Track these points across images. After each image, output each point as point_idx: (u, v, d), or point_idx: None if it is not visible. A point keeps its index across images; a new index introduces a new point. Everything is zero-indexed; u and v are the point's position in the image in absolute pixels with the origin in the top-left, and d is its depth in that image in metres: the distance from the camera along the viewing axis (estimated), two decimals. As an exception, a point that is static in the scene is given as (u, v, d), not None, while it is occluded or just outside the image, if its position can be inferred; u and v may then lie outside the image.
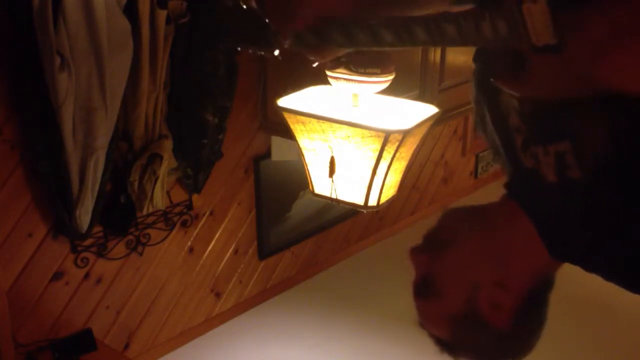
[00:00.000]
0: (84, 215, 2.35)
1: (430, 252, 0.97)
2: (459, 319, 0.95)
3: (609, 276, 0.89)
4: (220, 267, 3.13)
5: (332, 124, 1.99)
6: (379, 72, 1.88)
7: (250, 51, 1.18)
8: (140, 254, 2.76)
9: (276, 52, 1.14)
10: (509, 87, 0.88)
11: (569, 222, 0.87)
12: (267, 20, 1.10)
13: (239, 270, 3.22)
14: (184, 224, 2.89)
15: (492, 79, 0.88)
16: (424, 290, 0.98)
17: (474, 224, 0.96)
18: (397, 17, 0.95)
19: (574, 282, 1.00)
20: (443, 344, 0.99)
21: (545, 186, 0.88)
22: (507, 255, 0.92)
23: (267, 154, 3.11)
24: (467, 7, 0.94)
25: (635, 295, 0.90)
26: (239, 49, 1.20)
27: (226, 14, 1.13)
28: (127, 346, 2.83)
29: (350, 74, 1.87)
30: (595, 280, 0.95)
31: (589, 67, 0.74)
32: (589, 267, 0.90)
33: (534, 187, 0.91)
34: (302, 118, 2.03)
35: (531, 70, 0.80)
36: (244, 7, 1.14)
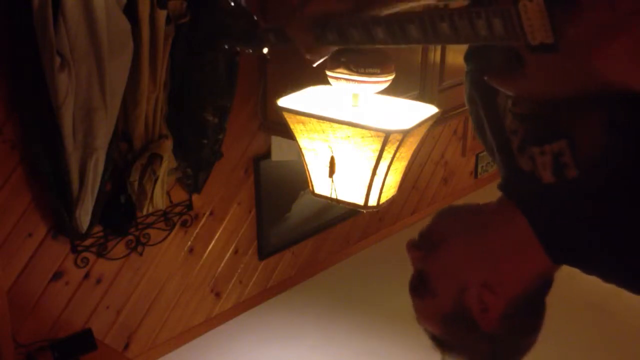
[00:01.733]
0: (84, 215, 2.35)
1: (425, 248, 0.97)
2: (450, 318, 0.95)
3: (608, 277, 0.89)
4: (220, 267, 3.13)
5: (332, 124, 1.99)
6: (379, 72, 1.88)
7: (239, 49, 1.18)
8: (140, 254, 2.76)
9: (265, 50, 1.13)
10: (503, 86, 0.87)
11: (567, 223, 0.87)
12: (255, 18, 1.10)
13: (239, 270, 3.22)
14: (184, 224, 2.89)
15: (486, 78, 0.88)
16: (418, 286, 0.99)
17: (466, 223, 0.96)
18: (391, 14, 0.94)
19: (570, 283, 1.00)
20: (436, 341, 1.00)
21: (542, 188, 0.88)
22: (497, 258, 0.92)
23: (267, 154, 3.11)
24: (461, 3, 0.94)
25: (631, 298, 0.90)
26: (226, 46, 1.20)
27: (217, 12, 1.12)
28: (127, 346, 2.83)
29: (350, 74, 1.87)
30: (591, 282, 0.95)
31: (582, 63, 0.74)
32: (588, 268, 0.90)
33: (532, 189, 0.90)
34: (302, 118, 2.03)
35: (526, 68, 0.80)
36: (232, 4, 1.13)
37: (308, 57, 1.10)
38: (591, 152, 0.82)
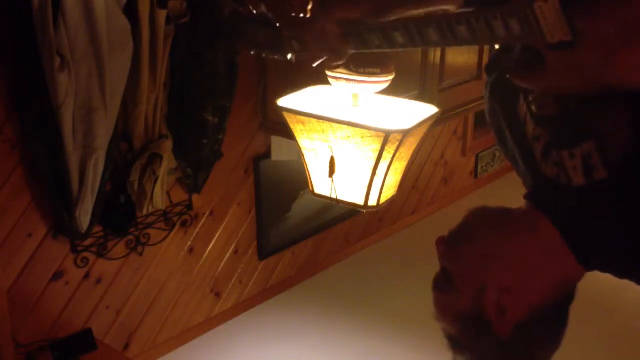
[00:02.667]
0: (84, 215, 2.35)
1: (452, 245, 0.97)
2: (466, 317, 0.95)
3: None
4: (220, 267, 3.13)
5: (332, 124, 1.99)
6: (379, 72, 1.88)
7: (264, 55, 1.19)
8: (140, 254, 2.76)
9: (289, 56, 1.15)
10: (525, 83, 0.87)
11: (598, 227, 0.86)
12: (278, 25, 1.11)
13: (239, 270, 3.22)
14: (184, 224, 2.89)
15: (507, 76, 0.88)
16: (440, 282, 0.98)
17: (494, 225, 0.96)
18: (409, 19, 0.95)
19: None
20: (450, 340, 0.99)
21: (570, 192, 0.87)
22: (520, 263, 0.91)
23: (267, 154, 3.11)
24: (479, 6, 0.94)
25: (631, 296, 0.90)
26: (252, 52, 1.21)
27: (238, 19, 1.13)
28: (127, 346, 2.83)
29: (350, 74, 1.87)
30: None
31: (603, 64, 0.74)
32: (622, 272, 0.89)
33: (558, 195, 0.90)
34: (302, 118, 2.03)
35: (547, 65, 0.80)
36: (255, 12, 1.14)
37: (329, 62, 1.10)
38: (620, 152, 0.81)
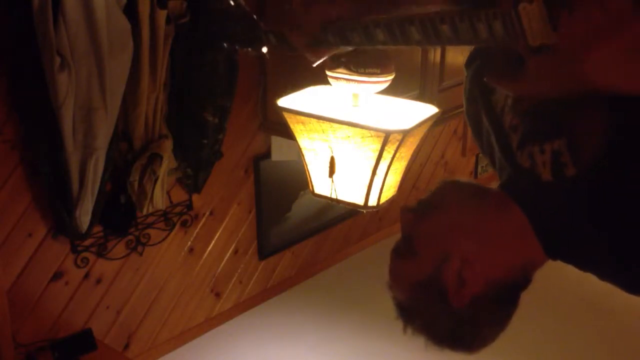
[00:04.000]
0: (84, 215, 2.35)
1: (417, 212, 0.99)
2: (423, 285, 0.96)
3: (605, 275, 0.89)
4: (220, 267, 3.13)
5: (332, 124, 1.99)
6: (379, 72, 1.88)
7: (238, 48, 1.19)
8: (140, 254, 2.76)
9: (264, 50, 1.14)
10: (503, 87, 0.88)
11: (565, 221, 0.87)
12: (254, 18, 1.11)
13: (239, 270, 3.22)
14: (184, 224, 2.89)
15: (485, 79, 0.88)
16: (401, 249, 1.00)
17: (466, 198, 0.97)
18: (392, 16, 0.95)
19: (567, 282, 1.00)
20: (401, 309, 1.00)
21: (542, 186, 0.88)
22: (486, 239, 0.93)
23: (267, 154, 3.11)
24: (463, 7, 0.94)
25: (627, 296, 0.91)
26: (224, 45, 1.20)
27: (215, 12, 1.13)
28: (127, 346, 2.83)
29: (350, 74, 1.87)
30: (587, 281, 0.95)
31: (575, 65, 0.73)
32: (585, 266, 0.90)
33: (532, 187, 0.91)
34: (302, 118, 2.03)
35: (527, 69, 0.80)
36: (232, 4, 1.14)
37: (309, 58, 1.10)
38: (591, 151, 0.82)
